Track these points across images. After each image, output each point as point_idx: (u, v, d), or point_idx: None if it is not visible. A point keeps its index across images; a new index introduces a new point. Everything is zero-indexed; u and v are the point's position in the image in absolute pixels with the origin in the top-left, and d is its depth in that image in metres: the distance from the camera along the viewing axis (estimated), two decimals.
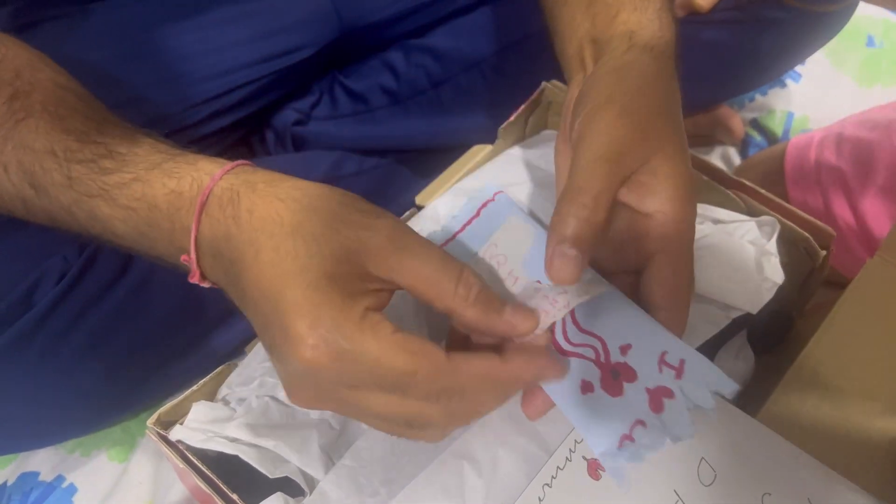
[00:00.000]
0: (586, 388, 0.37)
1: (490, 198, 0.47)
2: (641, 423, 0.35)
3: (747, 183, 0.54)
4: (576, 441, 0.42)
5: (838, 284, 0.51)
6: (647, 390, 0.36)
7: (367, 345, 0.33)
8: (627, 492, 0.38)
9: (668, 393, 0.36)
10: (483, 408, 0.37)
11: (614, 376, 0.37)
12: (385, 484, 0.42)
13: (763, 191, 0.53)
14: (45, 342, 0.53)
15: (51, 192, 0.41)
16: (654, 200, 0.39)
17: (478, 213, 0.46)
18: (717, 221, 0.54)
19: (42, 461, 0.62)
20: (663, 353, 0.37)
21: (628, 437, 0.35)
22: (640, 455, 0.35)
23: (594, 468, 0.41)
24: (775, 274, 0.50)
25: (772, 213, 0.53)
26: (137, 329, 0.56)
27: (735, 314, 0.48)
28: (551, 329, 0.39)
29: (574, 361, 0.38)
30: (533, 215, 0.50)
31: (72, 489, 0.61)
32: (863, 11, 0.93)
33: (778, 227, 0.52)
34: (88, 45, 0.62)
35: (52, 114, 0.43)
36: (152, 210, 0.38)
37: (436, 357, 0.33)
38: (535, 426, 0.43)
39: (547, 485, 0.41)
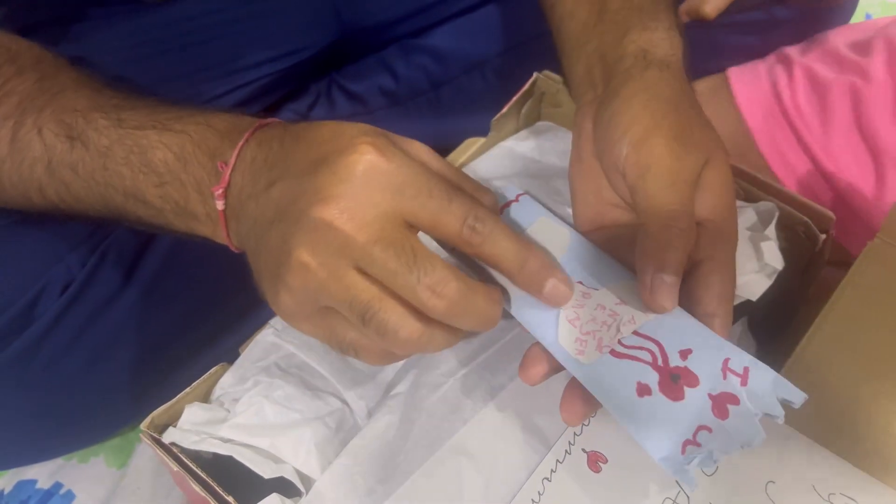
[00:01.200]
0: (643, 391, 0.35)
1: (513, 199, 0.45)
2: (706, 428, 0.33)
3: (745, 169, 0.52)
4: (575, 434, 0.41)
5: (846, 264, 0.49)
6: (711, 396, 0.34)
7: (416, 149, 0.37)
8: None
9: (734, 399, 0.34)
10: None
11: (674, 380, 0.35)
12: (382, 482, 0.41)
13: (761, 176, 0.52)
14: (49, 356, 0.52)
15: (90, 136, 0.43)
16: (704, 209, 0.39)
17: (508, 205, 0.45)
18: None
19: (39, 468, 0.61)
20: (726, 360, 0.35)
21: (693, 443, 0.33)
22: (711, 459, 0.33)
23: (594, 460, 0.40)
24: (774, 259, 0.48)
25: (770, 198, 0.52)
26: (141, 340, 0.56)
27: (735, 301, 0.46)
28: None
29: (628, 364, 0.36)
30: None
31: (70, 496, 0.60)
32: None
33: (777, 213, 0.50)
34: (88, 48, 0.61)
35: (88, 86, 0.45)
36: (207, 130, 0.40)
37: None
38: (534, 420, 0.42)
39: (546, 479, 0.40)
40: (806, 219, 0.51)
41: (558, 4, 0.50)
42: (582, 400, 0.36)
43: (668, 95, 0.41)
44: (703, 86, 0.70)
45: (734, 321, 0.50)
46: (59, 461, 0.61)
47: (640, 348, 0.36)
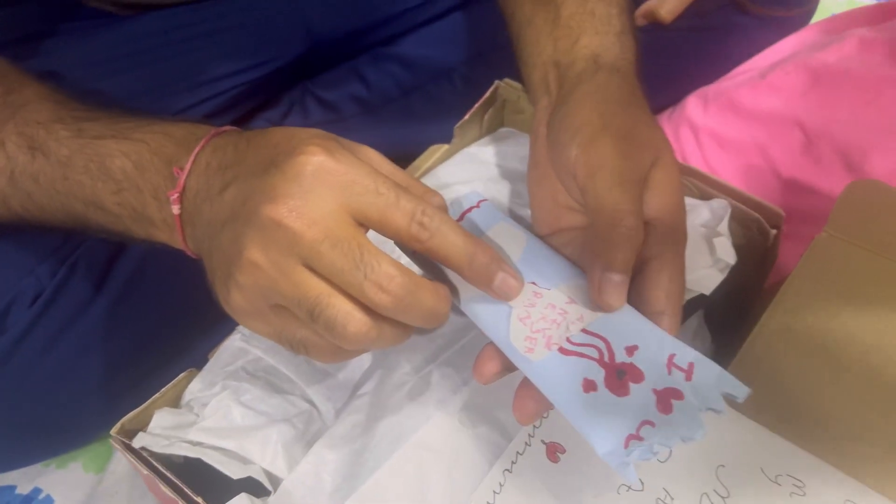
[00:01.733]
0: (588, 386, 0.35)
1: (474, 205, 0.46)
2: (650, 423, 0.34)
3: (697, 169, 0.54)
4: (535, 426, 0.42)
5: None
6: (655, 391, 0.35)
7: (365, 152, 0.38)
8: (584, 473, 0.38)
9: (678, 395, 0.34)
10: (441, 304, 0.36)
11: (619, 376, 0.35)
12: (347, 479, 0.41)
13: (713, 176, 0.54)
14: (22, 365, 0.52)
15: (50, 146, 0.43)
16: (652, 208, 0.40)
17: (461, 218, 0.45)
18: None
19: (18, 474, 0.61)
20: (671, 356, 0.36)
21: (636, 437, 0.33)
22: (651, 452, 0.33)
23: (553, 451, 0.41)
24: (727, 254, 0.49)
25: (723, 196, 0.53)
26: (113, 348, 0.56)
27: (689, 296, 0.48)
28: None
29: (575, 360, 0.36)
30: None
31: (48, 501, 0.60)
32: None
33: (729, 210, 0.52)
34: (59, 62, 0.61)
35: (51, 99, 0.46)
36: (164, 139, 0.41)
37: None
38: (495, 413, 0.43)
39: (507, 470, 0.41)
40: (757, 215, 0.52)
41: (517, 12, 0.51)
42: (534, 400, 0.37)
43: (618, 98, 0.42)
44: None
45: (689, 315, 0.52)
46: (37, 467, 0.61)
47: (588, 345, 0.36)
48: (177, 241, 0.41)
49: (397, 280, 0.33)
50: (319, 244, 0.33)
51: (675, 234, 0.40)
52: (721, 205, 0.52)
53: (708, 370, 0.35)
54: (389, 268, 0.33)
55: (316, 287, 0.33)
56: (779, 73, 0.68)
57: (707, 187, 0.54)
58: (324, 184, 0.34)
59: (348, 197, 0.34)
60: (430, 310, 0.34)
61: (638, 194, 0.39)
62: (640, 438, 0.33)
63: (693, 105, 0.70)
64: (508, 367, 0.38)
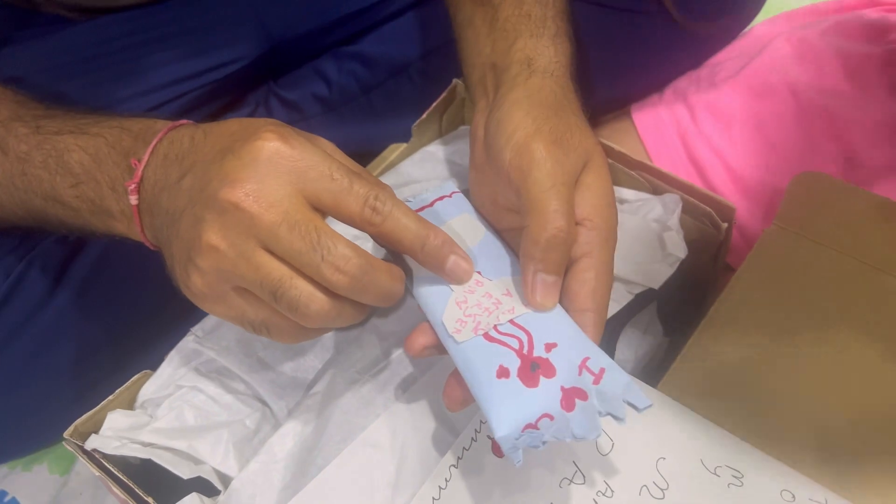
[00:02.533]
0: (502, 373, 0.36)
1: (447, 194, 0.47)
2: (549, 416, 0.35)
3: (649, 164, 0.54)
4: (481, 422, 0.42)
5: None
6: (563, 388, 0.35)
7: (319, 141, 0.38)
8: (521, 465, 0.37)
9: (582, 395, 0.35)
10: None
11: (532, 368, 0.36)
12: (297, 477, 0.42)
13: (666, 171, 0.54)
14: None
15: (10, 144, 0.44)
16: (584, 209, 0.40)
17: (431, 204, 0.46)
18: (622, 202, 0.54)
19: None
20: (586, 359, 0.36)
21: (533, 427, 0.34)
22: (540, 442, 0.34)
23: (498, 446, 0.41)
24: (678, 249, 0.50)
25: (674, 190, 0.53)
26: (72, 348, 0.56)
27: (638, 290, 0.48)
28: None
29: (496, 347, 0.37)
30: None
31: (13, 503, 0.60)
32: None
33: (680, 204, 0.52)
34: (18, 67, 0.61)
35: (9, 99, 0.47)
36: (122, 133, 0.41)
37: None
38: (443, 411, 0.43)
39: (453, 465, 0.41)
40: (709, 209, 0.52)
41: (459, 12, 0.52)
42: (461, 387, 0.37)
43: (550, 102, 0.43)
44: (611, 127, 0.72)
45: (640, 309, 0.52)
46: (3, 469, 0.61)
47: (511, 335, 0.37)
48: (135, 233, 0.42)
49: (353, 261, 0.34)
50: (277, 227, 0.34)
51: (604, 235, 0.40)
52: (672, 199, 0.52)
53: (617, 378, 0.35)
54: (345, 249, 0.34)
55: (277, 269, 0.34)
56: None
57: (658, 181, 0.54)
58: (279, 168, 0.35)
59: (303, 182, 0.35)
60: (385, 289, 0.36)
61: (569, 196, 0.40)
62: (537, 429, 0.34)
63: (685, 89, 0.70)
64: (439, 346, 0.39)
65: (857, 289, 0.47)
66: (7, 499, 0.60)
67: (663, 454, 0.40)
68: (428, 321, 0.39)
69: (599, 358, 0.36)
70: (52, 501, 0.59)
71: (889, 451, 0.40)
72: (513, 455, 0.33)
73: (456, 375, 0.38)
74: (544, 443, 0.33)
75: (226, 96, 0.73)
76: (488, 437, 0.42)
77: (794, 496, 0.38)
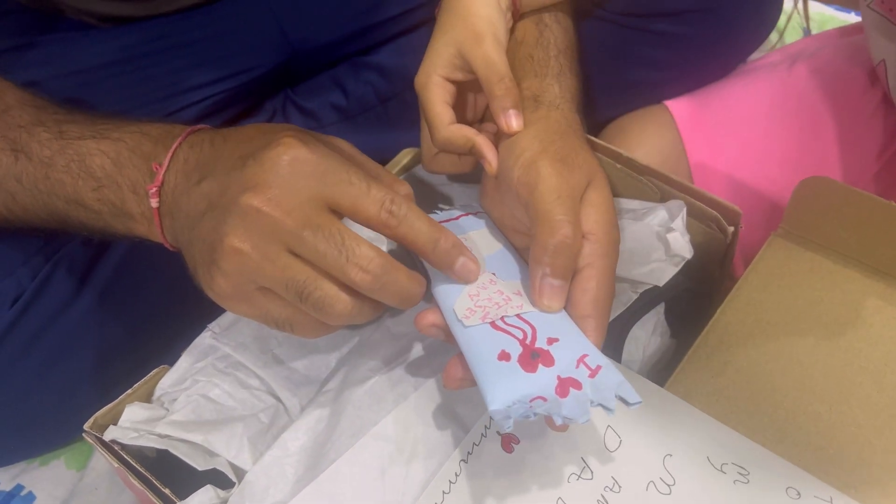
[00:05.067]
0: (503, 357, 0.37)
1: (472, 212, 0.49)
2: (542, 398, 0.35)
3: (657, 169, 0.54)
4: (492, 419, 0.42)
5: None
6: (559, 377, 0.36)
7: (337, 143, 0.40)
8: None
9: (577, 385, 0.36)
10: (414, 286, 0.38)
11: (533, 357, 0.37)
12: (310, 469, 0.42)
13: (672, 175, 0.54)
14: (2, 364, 0.53)
15: (34, 148, 0.45)
16: (587, 223, 0.42)
17: (457, 218, 0.48)
18: (627, 211, 0.54)
19: (1, 471, 0.62)
20: (584, 356, 0.37)
21: (525, 402, 0.35)
22: (531, 413, 0.35)
23: (508, 442, 0.42)
24: (683, 249, 0.49)
25: (682, 195, 0.53)
26: (95, 347, 0.56)
27: (642, 288, 0.48)
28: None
29: (500, 335, 0.38)
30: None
31: (30, 497, 0.60)
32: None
33: (684, 207, 0.52)
34: (40, 72, 0.62)
35: (32, 104, 0.48)
36: (143, 137, 0.43)
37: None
38: (453, 408, 0.44)
39: (463, 460, 0.41)
40: (716, 213, 0.52)
41: None
42: (462, 367, 0.38)
43: (556, 128, 0.45)
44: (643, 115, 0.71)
45: (648, 310, 0.52)
46: (20, 464, 0.62)
47: (516, 327, 0.38)
48: (155, 234, 0.42)
49: (376, 261, 0.36)
50: (301, 230, 0.35)
51: (606, 248, 0.41)
52: (677, 204, 0.52)
53: (611, 376, 0.37)
54: (368, 251, 0.36)
55: (303, 271, 0.36)
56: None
57: (667, 186, 0.54)
58: (299, 174, 0.36)
59: (322, 186, 0.36)
60: (405, 289, 0.37)
61: (574, 208, 0.41)
62: (528, 406, 0.35)
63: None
64: (445, 330, 0.40)
65: (862, 292, 0.47)
66: (23, 493, 0.60)
67: (670, 451, 0.40)
68: (437, 304, 0.41)
69: (597, 357, 0.37)
70: (68, 496, 0.59)
71: (893, 450, 0.40)
72: (503, 423, 0.34)
73: (459, 357, 0.38)
74: (536, 414, 0.35)
75: (244, 102, 0.73)
76: (497, 433, 0.42)
77: (799, 493, 0.38)
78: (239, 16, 0.69)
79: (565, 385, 0.36)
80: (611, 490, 0.39)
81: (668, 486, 0.39)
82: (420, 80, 0.49)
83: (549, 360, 0.37)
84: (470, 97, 0.52)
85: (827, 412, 0.42)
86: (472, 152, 0.46)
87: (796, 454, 0.40)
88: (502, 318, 0.38)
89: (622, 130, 0.69)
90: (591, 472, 0.39)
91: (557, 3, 0.53)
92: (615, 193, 0.50)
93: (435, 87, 0.48)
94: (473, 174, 0.58)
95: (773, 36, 0.76)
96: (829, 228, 0.49)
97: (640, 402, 0.36)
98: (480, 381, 0.36)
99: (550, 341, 0.38)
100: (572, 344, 0.38)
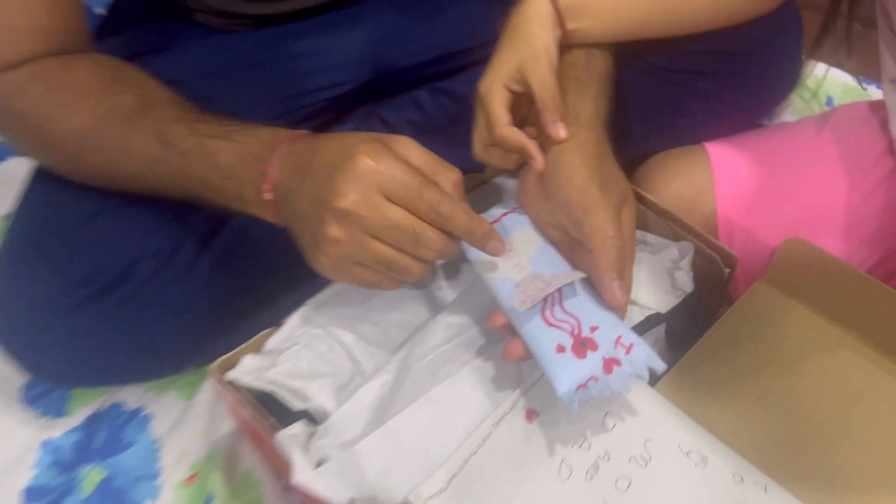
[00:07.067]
0: (560, 349, 0.50)
1: (511, 210, 0.61)
2: (594, 378, 0.48)
3: (674, 213, 0.66)
4: (519, 394, 0.55)
5: None
6: (604, 359, 0.49)
7: (401, 144, 0.53)
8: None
9: (618, 363, 0.49)
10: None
11: (582, 345, 0.50)
12: (377, 419, 0.54)
13: (685, 220, 0.65)
14: (142, 304, 0.65)
15: (176, 141, 0.58)
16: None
17: (499, 219, 0.60)
18: (646, 244, 0.66)
19: (127, 395, 0.75)
20: (619, 337, 0.50)
21: (583, 386, 0.48)
22: (589, 397, 0.48)
23: (530, 415, 0.54)
24: (685, 285, 0.62)
25: (690, 237, 0.65)
26: (214, 297, 0.68)
27: (648, 312, 0.60)
28: (543, 303, 0.52)
29: (554, 331, 0.51)
30: None
31: (149, 417, 0.73)
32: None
33: (692, 250, 0.64)
34: (177, 72, 0.71)
35: (175, 103, 0.61)
36: (256, 138, 0.56)
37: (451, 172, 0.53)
38: (490, 384, 0.56)
39: (494, 424, 0.53)
40: (715, 255, 0.64)
41: None
42: (522, 348, 0.51)
43: (597, 152, 0.56)
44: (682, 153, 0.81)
45: (651, 327, 0.64)
46: (140, 392, 0.75)
47: (564, 321, 0.51)
48: (266, 216, 0.56)
49: (438, 241, 0.51)
50: (380, 223, 0.50)
51: (629, 254, 0.54)
52: (686, 245, 0.64)
53: (642, 350, 0.49)
54: (432, 233, 0.51)
55: (387, 251, 0.51)
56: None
57: (678, 229, 0.66)
58: (370, 181, 0.50)
59: (388, 191, 0.50)
60: (467, 227, 0.52)
61: (618, 225, 0.53)
62: (585, 387, 0.48)
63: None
64: (510, 328, 0.53)
65: (822, 339, 0.58)
66: (143, 413, 0.74)
67: (650, 436, 0.52)
68: (500, 306, 0.53)
69: (629, 336, 0.50)
70: (177, 420, 0.72)
71: (822, 451, 0.52)
72: (570, 406, 0.47)
73: (517, 340, 0.52)
74: (592, 398, 0.47)
75: (334, 111, 0.84)
76: (522, 408, 0.54)
77: (742, 479, 0.50)
78: (339, 38, 0.79)
79: (609, 364, 0.48)
80: (602, 459, 0.51)
81: (646, 461, 0.51)
82: (485, 85, 0.60)
83: (594, 346, 0.49)
84: (517, 106, 0.62)
85: (773, 423, 0.53)
86: (522, 152, 0.58)
87: (743, 449, 0.51)
88: (552, 314, 0.51)
89: (667, 163, 0.79)
90: (590, 445, 0.52)
91: (602, 45, 0.64)
92: (639, 227, 0.63)
93: (497, 94, 0.59)
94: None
95: (807, 95, 0.86)
96: (803, 282, 0.60)
97: (666, 367, 0.48)
98: (547, 372, 0.49)
99: (593, 329, 0.50)
100: (609, 329, 0.50)
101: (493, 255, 0.54)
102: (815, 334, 0.58)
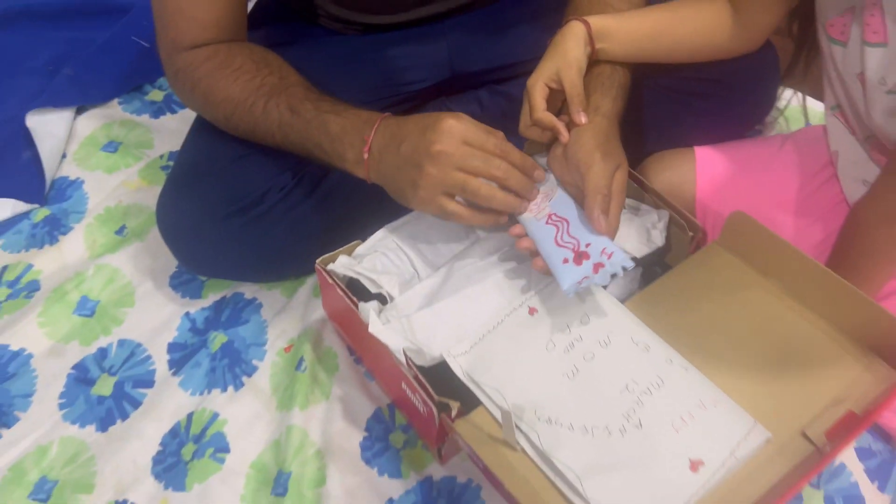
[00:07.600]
0: (565, 261, 0.72)
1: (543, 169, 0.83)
2: (587, 277, 0.71)
3: (659, 192, 0.88)
4: (526, 298, 0.78)
5: None
6: (594, 264, 0.71)
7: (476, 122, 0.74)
8: (558, 315, 0.74)
9: (602, 266, 0.71)
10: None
11: (580, 257, 0.72)
12: (427, 304, 0.78)
13: (665, 198, 0.88)
14: (270, 222, 0.86)
15: (302, 112, 0.79)
16: (614, 185, 0.76)
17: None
18: (638, 210, 0.89)
19: (246, 288, 0.97)
20: (604, 248, 0.72)
21: (579, 283, 0.71)
22: (582, 288, 0.71)
23: (531, 311, 0.78)
24: (658, 239, 0.84)
25: (667, 208, 0.88)
26: (320, 221, 0.89)
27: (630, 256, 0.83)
28: (556, 230, 0.74)
29: (562, 249, 0.73)
30: None
31: (261, 305, 0.95)
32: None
33: (667, 216, 0.86)
34: (300, 63, 0.88)
35: (304, 85, 0.82)
36: (358, 117, 0.77)
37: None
38: (506, 291, 0.79)
39: (507, 315, 0.77)
40: (683, 223, 0.86)
41: None
42: (531, 244, 0.75)
43: (605, 132, 0.77)
44: (675, 152, 1.03)
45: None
46: (256, 287, 0.97)
47: (569, 242, 0.73)
48: (360, 173, 0.78)
49: (504, 165, 0.73)
50: (465, 157, 0.72)
51: (620, 202, 0.75)
52: (663, 213, 0.86)
53: (618, 255, 0.71)
54: (501, 162, 0.73)
55: (471, 181, 0.72)
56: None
57: (660, 203, 0.88)
58: (454, 133, 0.72)
59: (465, 138, 0.72)
60: (522, 181, 0.75)
61: (609, 181, 0.75)
62: (580, 284, 0.70)
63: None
64: (534, 250, 0.75)
65: (747, 282, 0.80)
66: (257, 302, 0.96)
67: (612, 329, 0.75)
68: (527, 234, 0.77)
69: (611, 247, 0.72)
70: (280, 309, 0.94)
71: (727, 347, 0.74)
72: (570, 292, 0.71)
73: (527, 239, 0.76)
74: (584, 288, 0.71)
75: (415, 101, 1.02)
76: (527, 306, 0.78)
77: (671, 361, 0.72)
78: (426, 46, 0.98)
79: (597, 267, 0.71)
80: (577, 340, 0.74)
81: (607, 344, 0.73)
82: (531, 81, 0.78)
83: (587, 256, 0.72)
84: (553, 99, 0.80)
85: (697, 329, 0.75)
86: (553, 129, 0.77)
87: (676, 344, 0.74)
88: (562, 238, 0.73)
89: (663, 158, 0.99)
90: (570, 331, 0.75)
91: (623, 63, 0.83)
92: (630, 195, 0.85)
93: (539, 89, 0.78)
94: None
95: (776, 115, 1.09)
96: (742, 242, 0.82)
97: (633, 265, 0.71)
98: (556, 277, 0.72)
99: (587, 245, 0.72)
100: (598, 244, 0.72)
101: (536, 181, 0.77)
102: (743, 279, 0.79)
